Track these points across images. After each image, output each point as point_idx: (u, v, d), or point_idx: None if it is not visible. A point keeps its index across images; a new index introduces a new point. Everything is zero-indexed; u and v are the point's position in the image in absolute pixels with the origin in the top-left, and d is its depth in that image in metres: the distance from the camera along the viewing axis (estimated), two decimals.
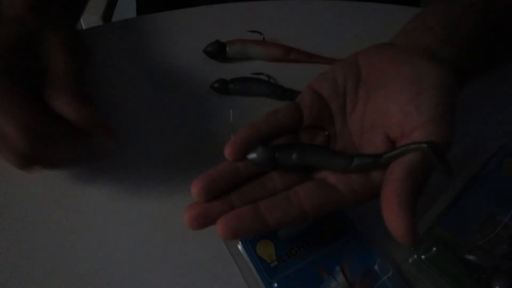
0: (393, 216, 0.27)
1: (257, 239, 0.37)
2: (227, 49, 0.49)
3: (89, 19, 0.77)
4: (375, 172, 0.31)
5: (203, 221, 0.29)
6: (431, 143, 0.27)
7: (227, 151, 0.31)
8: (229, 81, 0.47)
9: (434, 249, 0.36)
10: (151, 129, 0.45)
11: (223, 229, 0.28)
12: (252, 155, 0.31)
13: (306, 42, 0.51)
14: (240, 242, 0.37)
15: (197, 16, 0.54)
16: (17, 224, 0.39)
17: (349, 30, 0.53)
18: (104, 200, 0.41)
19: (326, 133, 0.34)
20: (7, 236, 0.39)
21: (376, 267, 0.36)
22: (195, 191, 0.29)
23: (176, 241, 0.39)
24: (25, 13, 0.40)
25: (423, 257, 0.36)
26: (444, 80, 0.31)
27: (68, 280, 0.37)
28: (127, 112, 0.46)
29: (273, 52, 0.50)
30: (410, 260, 0.36)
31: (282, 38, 0.51)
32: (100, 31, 0.53)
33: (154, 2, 0.75)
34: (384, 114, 0.31)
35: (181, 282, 0.37)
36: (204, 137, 0.45)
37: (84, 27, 0.72)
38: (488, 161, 0.41)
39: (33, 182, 0.41)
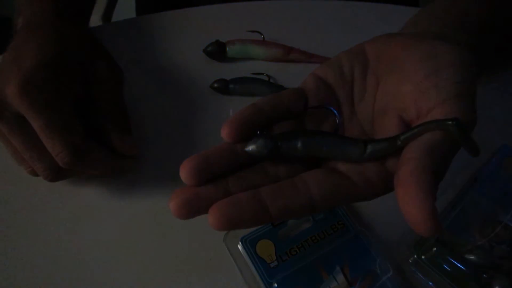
0: (410, 198, 0.23)
1: (257, 239, 0.37)
2: (227, 49, 0.49)
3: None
4: (392, 160, 0.27)
5: (193, 209, 0.25)
6: (455, 119, 0.24)
7: (225, 131, 0.27)
8: (229, 81, 0.47)
9: (434, 249, 0.36)
10: (151, 129, 0.45)
11: (217, 217, 0.24)
12: (251, 147, 0.27)
13: (306, 42, 0.51)
14: (240, 242, 0.37)
15: (197, 16, 0.54)
16: (14, 224, 0.39)
17: (349, 30, 0.53)
18: (103, 200, 0.41)
19: (335, 110, 0.30)
20: (5, 234, 0.39)
21: (376, 267, 0.36)
22: (184, 172, 0.25)
23: (176, 241, 0.39)
24: (60, 21, 0.40)
25: (423, 257, 0.36)
26: (463, 57, 0.28)
27: (67, 280, 0.37)
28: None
29: (273, 52, 0.50)
30: (410, 260, 0.36)
31: (282, 38, 0.51)
32: (100, 31, 0.53)
33: (154, 2, 0.75)
34: (397, 96, 0.29)
35: (181, 282, 0.37)
36: (204, 137, 0.45)
37: None
38: (488, 161, 0.41)
39: (31, 181, 0.41)
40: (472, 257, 0.36)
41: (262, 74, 0.49)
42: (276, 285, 0.35)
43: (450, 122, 0.24)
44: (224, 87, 0.47)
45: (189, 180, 0.25)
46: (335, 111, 0.30)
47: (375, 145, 0.27)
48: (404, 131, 0.26)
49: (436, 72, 0.27)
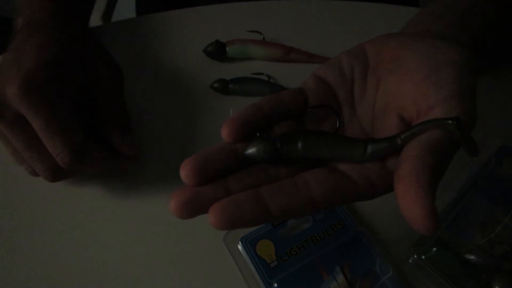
0: (409, 196, 0.23)
1: (257, 239, 0.37)
2: (227, 49, 0.49)
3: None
4: (392, 159, 0.27)
5: (193, 209, 0.25)
6: (456, 118, 0.24)
7: (225, 131, 0.27)
8: (229, 81, 0.47)
9: (434, 249, 0.36)
10: (151, 129, 0.45)
11: (218, 216, 0.24)
12: (251, 151, 0.27)
13: (306, 42, 0.51)
14: (240, 242, 0.37)
15: (197, 16, 0.54)
16: (16, 223, 0.39)
17: (349, 30, 0.53)
18: (103, 200, 0.41)
19: (335, 110, 0.30)
20: (6, 234, 0.39)
21: (376, 267, 0.36)
22: (184, 172, 0.25)
23: (175, 241, 0.39)
24: (60, 21, 0.40)
25: (423, 257, 0.36)
26: (463, 57, 0.28)
27: (67, 279, 0.37)
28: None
29: (273, 52, 0.50)
30: (410, 260, 0.36)
31: (282, 38, 0.51)
32: (100, 31, 0.53)
33: (154, 2, 0.75)
34: (397, 95, 0.29)
35: (181, 282, 0.37)
36: (204, 137, 0.45)
37: None
38: (488, 161, 0.41)
39: (32, 181, 0.41)
40: (472, 257, 0.36)
41: (262, 74, 0.49)
42: (276, 285, 0.35)
43: (450, 121, 0.24)
44: (224, 87, 0.47)
45: (189, 180, 0.25)
46: (335, 111, 0.30)
47: (375, 145, 0.27)
48: (404, 130, 0.26)
49: (436, 71, 0.27)
